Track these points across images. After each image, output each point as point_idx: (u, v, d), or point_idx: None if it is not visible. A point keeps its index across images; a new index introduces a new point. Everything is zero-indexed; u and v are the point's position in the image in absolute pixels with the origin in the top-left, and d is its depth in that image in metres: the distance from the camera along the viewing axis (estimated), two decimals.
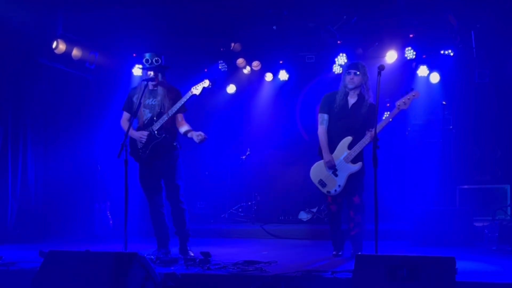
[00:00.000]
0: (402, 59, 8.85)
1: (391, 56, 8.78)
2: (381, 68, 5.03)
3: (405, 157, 9.03)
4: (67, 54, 8.12)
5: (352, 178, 5.67)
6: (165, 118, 5.67)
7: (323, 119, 5.82)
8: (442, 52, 8.69)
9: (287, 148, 9.48)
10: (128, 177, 5.10)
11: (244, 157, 9.46)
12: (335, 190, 5.72)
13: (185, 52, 8.99)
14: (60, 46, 7.95)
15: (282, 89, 9.79)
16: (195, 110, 7.90)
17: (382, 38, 8.72)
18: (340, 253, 5.89)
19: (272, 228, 8.24)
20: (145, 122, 5.77)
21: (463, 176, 8.60)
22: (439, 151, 8.41)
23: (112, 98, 8.45)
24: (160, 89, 5.76)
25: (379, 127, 5.44)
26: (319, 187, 5.81)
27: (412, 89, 5.58)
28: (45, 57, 7.94)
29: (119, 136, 5.75)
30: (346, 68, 5.97)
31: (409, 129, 8.95)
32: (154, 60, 5.75)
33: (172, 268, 4.97)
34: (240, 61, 9.50)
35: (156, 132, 5.68)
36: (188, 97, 5.67)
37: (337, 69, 8.99)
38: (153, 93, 5.77)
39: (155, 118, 5.72)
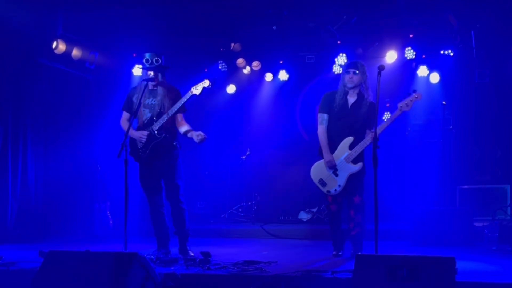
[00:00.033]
0: (402, 59, 8.85)
1: (391, 56, 8.78)
2: (381, 68, 5.03)
3: (405, 157, 9.03)
4: (67, 54, 8.12)
5: (353, 178, 5.68)
6: (165, 118, 5.66)
7: (323, 118, 5.82)
8: (442, 52, 8.69)
9: (287, 148, 9.47)
10: (128, 177, 5.09)
11: (244, 157, 9.45)
12: (335, 190, 5.72)
13: (185, 52, 8.99)
14: (60, 46, 7.95)
15: (282, 89, 9.79)
16: (195, 110, 7.90)
17: (382, 38, 8.71)
18: (340, 253, 5.89)
19: (272, 228, 8.23)
20: (145, 122, 5.77)
21: (463, 176, 8.60)
22: (439, 151, 8.42)
23: (112, 98, 8.44)
24: (160, 89, 5.76)
25: (381, 128, 5.45)
26: (319, 186, 5.81)
27: (414, 91, 5.57)
28: (45, 57, 7.94)
29: (119, 136, 5.75)
30: (345, 67, 5.98)
31: (409, 129, 8.95)
32: (154, 60, 5.75)
33: (172, 268, 4.96)
34: (240, 61, 9.50)
35: (156, 132, 5.68)
36: (188, 97, 5.67)
37: (337, 69, 8.97)
38: (153, 93, 5.77)
39: (155, 118, 5.71)
